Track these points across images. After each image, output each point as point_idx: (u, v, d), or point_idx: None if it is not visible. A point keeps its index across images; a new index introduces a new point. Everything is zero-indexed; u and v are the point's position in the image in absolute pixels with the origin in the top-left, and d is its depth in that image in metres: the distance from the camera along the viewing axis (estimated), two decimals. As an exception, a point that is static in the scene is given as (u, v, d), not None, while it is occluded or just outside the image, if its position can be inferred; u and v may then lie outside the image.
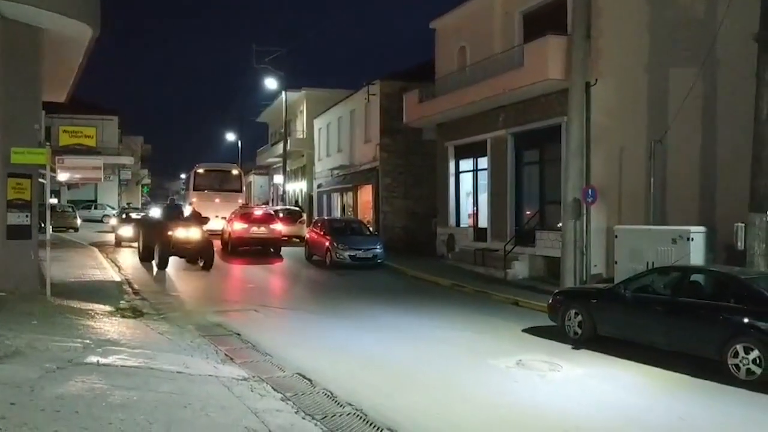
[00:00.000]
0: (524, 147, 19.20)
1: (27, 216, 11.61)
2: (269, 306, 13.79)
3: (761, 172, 11.67)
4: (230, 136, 61.58)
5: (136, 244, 22.18)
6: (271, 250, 23.34)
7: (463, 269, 19.64)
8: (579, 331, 10.35)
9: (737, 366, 8.15)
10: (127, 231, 24.63)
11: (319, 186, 38.19)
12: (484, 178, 21.11)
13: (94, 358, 7.17)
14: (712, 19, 14.52)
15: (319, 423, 6.03)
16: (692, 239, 12.83)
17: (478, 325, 12.08)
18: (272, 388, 7.08)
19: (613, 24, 15.90)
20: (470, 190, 22.48)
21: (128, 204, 48.75)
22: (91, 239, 28.08)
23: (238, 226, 23.12)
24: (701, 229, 13.14)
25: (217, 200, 29.34)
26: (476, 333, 11.33)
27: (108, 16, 12.73)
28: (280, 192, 44.42)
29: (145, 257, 19.84)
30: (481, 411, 7.05)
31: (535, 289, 15.56)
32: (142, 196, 62.04)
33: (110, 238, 27.56)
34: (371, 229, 25.10)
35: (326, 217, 29.40)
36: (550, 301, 11.29)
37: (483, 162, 21.04)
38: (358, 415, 6.44)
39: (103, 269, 17.59)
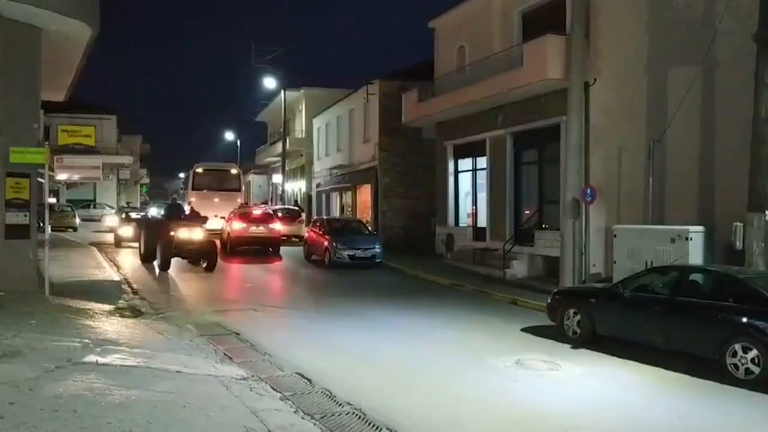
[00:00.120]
0: (523, 146, 19.22)
1: (26, 215, 11.62)
2: (268, 305, 13.79)
3: (760, 172, 11.66)
4: (229, 136, 61.80)
5: (136, 245, 21.91)
6: (270, 249, 23.27)
7: (462, 269, 19.63)
8: (578, 331, 10.36)
9: (736, 365, 8.16)
10: (127, 231, 24.40)
11: (318, 185, 38.16)
12: (483, 178, 21.11)
13: (92, 358, 7.17)
14: (711, 18, 14.50)
15: (318, 422, 6.04)
16: (691, 239, 12.85)
17: (477, 324, 12.09)
18: (271, 387, 7.09)
19: (612, 23, 15.93)
20: (469, 189, 22.49)
21: (128, 203, 48.70)
22: (88, 239, 27.97)
23: (237, 226, 23.10)
24: (700, 228, 13.15)
25: (216, 200, 29.23)
26: (475, 332, 11.33)
27: (107, 15, 12.75)
28: (279, 191, 44.38)
29: (146, 258, 19.24)
30: (479, 410, 7.05)
31: (534, 289, 15.56)
32: (141, 195, 61.94)
33: (108, 238, 27.23)
34: (370, 228, 25.10)
35: (325, 217, 29.32)
36: (549, 301, 11.31)
37: (482, 161, 21.05)
38: (357, 415, 6.45)
39: (102, 269, 17.56)
